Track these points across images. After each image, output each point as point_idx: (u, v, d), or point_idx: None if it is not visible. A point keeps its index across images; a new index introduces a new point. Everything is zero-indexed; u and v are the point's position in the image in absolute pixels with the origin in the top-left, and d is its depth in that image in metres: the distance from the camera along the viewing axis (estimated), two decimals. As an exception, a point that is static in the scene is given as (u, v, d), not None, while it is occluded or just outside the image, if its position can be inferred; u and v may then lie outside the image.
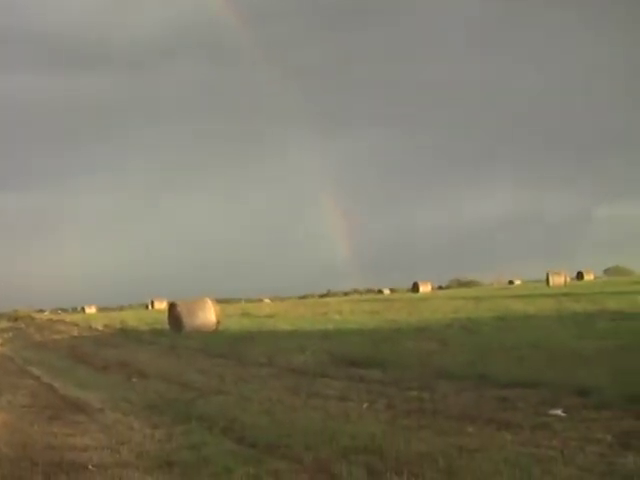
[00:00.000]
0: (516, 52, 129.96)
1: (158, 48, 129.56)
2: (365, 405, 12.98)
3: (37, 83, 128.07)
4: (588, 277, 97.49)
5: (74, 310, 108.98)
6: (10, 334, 48.38)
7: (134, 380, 18.82)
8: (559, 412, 11.27)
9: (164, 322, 38.36)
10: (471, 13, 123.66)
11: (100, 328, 45.20)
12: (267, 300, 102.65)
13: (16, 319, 71.84)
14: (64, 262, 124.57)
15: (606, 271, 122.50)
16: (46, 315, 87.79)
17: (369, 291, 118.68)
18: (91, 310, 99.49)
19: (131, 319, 52.69)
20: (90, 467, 9.81)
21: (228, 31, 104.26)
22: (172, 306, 37.64)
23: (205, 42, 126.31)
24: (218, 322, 35.76)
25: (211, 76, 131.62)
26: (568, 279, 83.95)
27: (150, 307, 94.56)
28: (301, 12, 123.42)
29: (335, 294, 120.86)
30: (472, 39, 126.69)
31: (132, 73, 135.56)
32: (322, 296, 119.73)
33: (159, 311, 66.29)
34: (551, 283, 77.83)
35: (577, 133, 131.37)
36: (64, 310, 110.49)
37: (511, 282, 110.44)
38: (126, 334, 37.77)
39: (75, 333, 43.24)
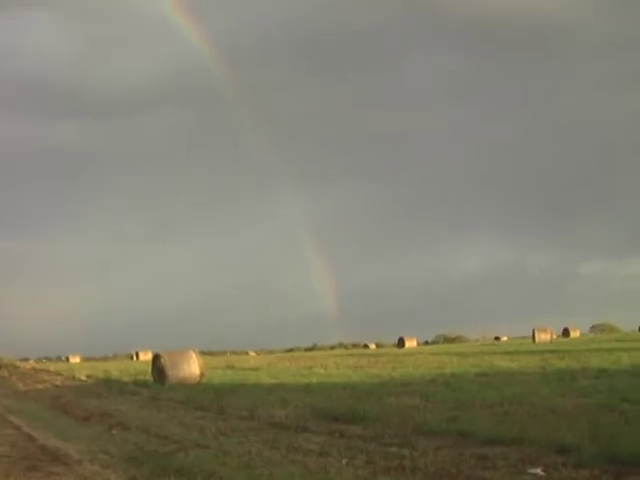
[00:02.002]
0: (498, 107, 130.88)
1: (142, 95, 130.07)
2: (344, 461, 12.93)
3: (16, 129, 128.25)
4: (574, 334, 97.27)
5: (58, 359, 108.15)
6: (-7, 383, 48.01)
7: (114, 432, 18.70)
8: (538, 471, 11.26)
9: (148, 373, 38.17)
10: (453, 67, 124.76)
11: (83, 378, 44.85)
12: (252, 353, 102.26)
13: (-1, 367, 71.28)
14: (48, 310, 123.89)
15: (592, 328, 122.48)
16: (30, 364, 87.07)
17: (355, 345, 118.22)
18: (75, 360, 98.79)
19: (115, 369, 52.35)
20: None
21: (209, 78, 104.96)
22: (156, 357, 37.52)
23: (187, 89, 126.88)
24: (202, 374, 35.63)
25: (192, 124, 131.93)
26: (554, 336, 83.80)
27: (135, 358, 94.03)
28: (287, 58, 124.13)
29: (321, 348, 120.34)
30: (454, 91, 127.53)
31: (114, 120, 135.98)
32: (308, 350, 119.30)
33: (144, 362, 65.95)
34: (537, 340, 77.68)
35: (561, 189, 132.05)
36: (48, 359, 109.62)
37: (497, 338, 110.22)
38: (109, 385, 37.50)
39: (58, 382, 42.92)
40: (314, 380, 30.86)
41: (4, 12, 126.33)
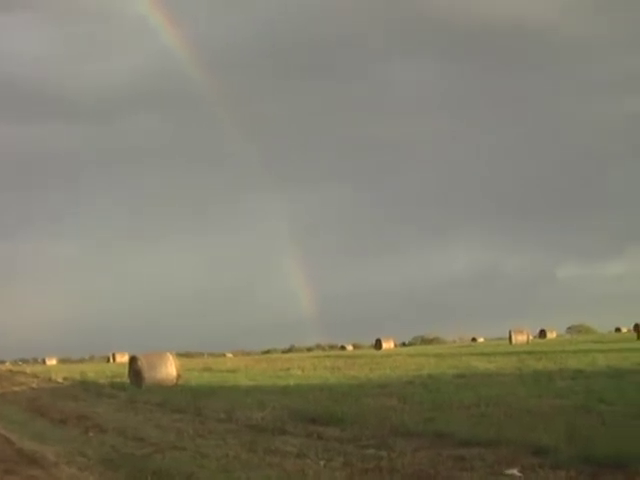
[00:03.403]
0: (471, 114, 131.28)
1: (121, 98, 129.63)
2: (322, 463, 12.93)
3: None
4: (551, 335, 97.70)
5: (35, 361, 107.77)
6: (-32, 386, 47.72)
7: (91, 434, 18.63)
8: (515, 472, 11.29)
9: (124, 375, 38.07)
10: (424, 76, 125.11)
11: (60, 380, 44.67)
12: (230, 355, 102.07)
13: (-25, 370, 70.94)
14: (25, 312, 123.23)
15: (569, 329, 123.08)
16: (6, 366, 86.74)
17: (332, 347, 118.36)
18: (52, 362, 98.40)
19: (91, 372, 52.14)
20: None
21: (188, 82, 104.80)
22: (133, 360, 37.42)
23: (166, 93, 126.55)
24: (179, 376, 35.56)
25: (172, 127, 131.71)
26: (531, 337, 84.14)
27: (112, 360, 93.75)
28: (269, 63, 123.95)
29: (298, 350, 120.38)
30: (427, 101, 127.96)
31: (95, 123, 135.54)
32: (285, 351, 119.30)
33: (120, 364, 65.76)
34: (514, 341, 77.98)
35: (538, 193, 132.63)
36: (25, 361, 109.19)
37: (474, 340, 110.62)
38: (86, 387, 37.33)
39: (35, 385, 42.72)
40: (291, 382, 30.85)
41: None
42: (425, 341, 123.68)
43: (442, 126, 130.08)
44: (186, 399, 25.47)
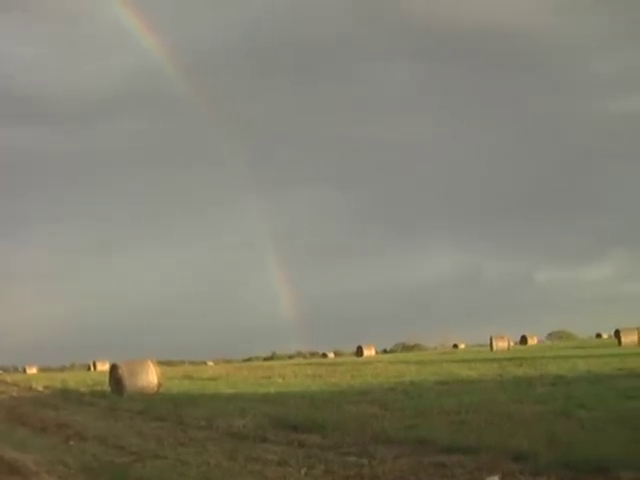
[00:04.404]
0: (462, 114, 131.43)
1: (106, 100, 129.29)
2: (303, 471, 12.93)
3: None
4: (532, 341, 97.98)
5: (15, 370, 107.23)
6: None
7: (72, 442, 18.56)
8: (496, 479, 11.32)
9: (105, 384, 37.95)
10: (420, 76, 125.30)
11: (40, 389, 44.48)
12: (211, 363, 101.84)
13: (-45, 379, 70.49)
14: (5, 320, 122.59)
15: (549, 335, 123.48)
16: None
17: (313, 354, 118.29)
18: (32, 370, 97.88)
19: (72, 380, 51.95)
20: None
21: (166, 84, 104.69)
22: (113, 368, 37.32)
23: (145, 96, 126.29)
24: (159, 384, 35.48)
25: (150, 131, 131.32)
26: (512, 343, 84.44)
27: (92, 368, 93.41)
28: (251, 64, 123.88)
29: (280, 357, 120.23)
30: (416, 100, 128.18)
31: (69, 126, 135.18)
32: (267, 359, 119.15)
33: (101, 372, 65.55)
34: (495, 347, 78.23)
35: (516, 195, 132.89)
36: (5, 370, 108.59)
37: (455, 346, 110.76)
38: (66, 395, 37.20)
39: (15, 393, 42.52)
40: (272, 389, 30.86)
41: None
42: (406, 348, 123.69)
43: (429, 128, 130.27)
44: (167, 407, 25.42)
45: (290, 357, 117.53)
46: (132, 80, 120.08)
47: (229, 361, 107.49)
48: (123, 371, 35.69)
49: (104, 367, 75.06)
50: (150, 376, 35.52)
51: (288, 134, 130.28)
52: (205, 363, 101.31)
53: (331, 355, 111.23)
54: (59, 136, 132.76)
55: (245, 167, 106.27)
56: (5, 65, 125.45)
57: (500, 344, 79.16)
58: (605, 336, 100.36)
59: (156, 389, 34.88)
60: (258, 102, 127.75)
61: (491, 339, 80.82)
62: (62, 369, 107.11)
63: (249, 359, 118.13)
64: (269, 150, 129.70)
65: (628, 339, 65.94)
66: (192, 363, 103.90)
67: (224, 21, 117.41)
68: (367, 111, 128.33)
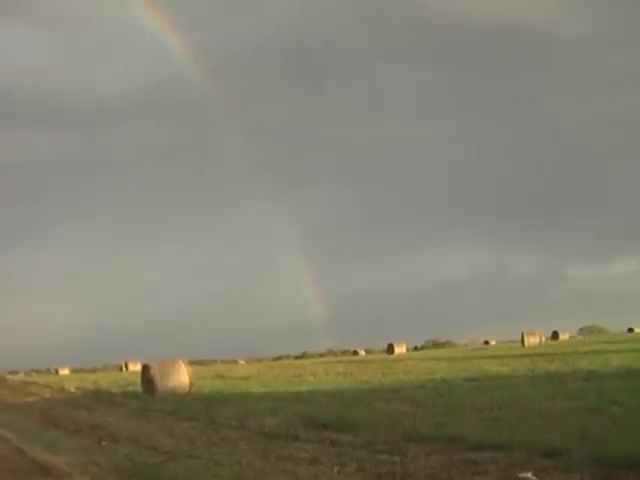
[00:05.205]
0: (469, 114, 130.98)
1: (115, 105, 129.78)
2: (336, 469, 12.92)
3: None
4: (563, 337, 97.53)
5: (47, 371, 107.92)
6: (-18, 396, 47.78)
7: (104, 443, 18.65)
8: (529, 475, 11.26)
9: (137, 384, 38.10)
10: (431, 77, 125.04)
11: (73, 390, 44.73)
12: (242, 362, 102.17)
13: (-12, 380, 70.90)
14: (36, 323, 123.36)
15: (581, 330, 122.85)
16: (19, 376, 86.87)
17: (344, 352, 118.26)
18: (64, 372, 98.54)
19: (104, 381, 52.24)
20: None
21: (181, 88, 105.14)
22: (145, 368, 37.44)
23: (158, 99, 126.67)
24: (191, 384, 35.57)
25: (166, 133, 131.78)
26: (543, 339, 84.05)
27: (124, 369, 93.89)
28: (263, 68, 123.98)
29: (311, 355, 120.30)
30: (433, 100, 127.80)
31: (86, 130, 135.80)
32: (298, 357, 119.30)
33: (133, 373, 65.85)
34: (526, 343, 77.90)
35: (547, 192, 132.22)
36: (37, 371, 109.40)
37: (486, 343, 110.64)
38: (99, 396, 37.37)
39: (47, 395, 42.76)
40: (304, 388, 30.86)
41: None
42: (437, 345, 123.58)
43: (443, 126, 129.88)
44: (199, 407, 25.48)
45: (321, 355, 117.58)
46: (146, 84, 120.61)
47: (260, 360, 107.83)
48: (155, 371, 35.80)
49: (136, 368, 75.38)
50: (182, 376, 35.61)
51: (306, 134, 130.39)
52: (236, 362, 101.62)
53: (362, 353, 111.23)
54: (76, 141, 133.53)
55: (269, 168, 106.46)
56: (22, 73, 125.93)
57: (531, 340, 78.83)
58: (637, 330, 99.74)
59: (188, 389, 34.96)
60: (274, 103, 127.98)
61: (522, 335, 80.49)
62: (94, 370, 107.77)
63: (280, 358, 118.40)
64: (290, 151, 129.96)
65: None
66: (223, 362, 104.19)
67: (244, 23, 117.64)
68: (383, 111, 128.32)
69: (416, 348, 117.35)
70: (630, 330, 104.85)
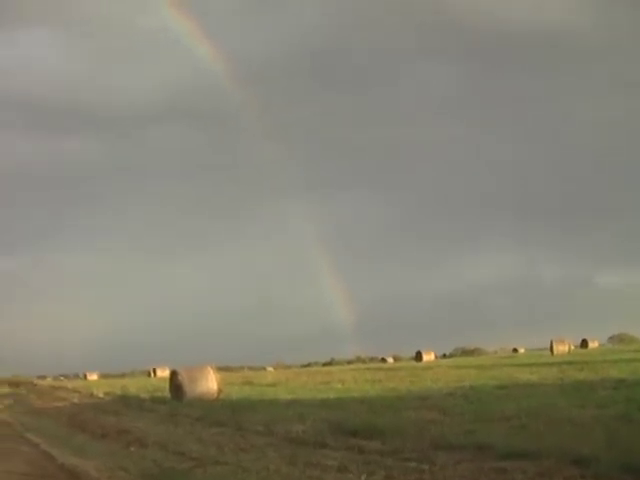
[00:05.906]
0: (503, 118, 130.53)
1: (144, 112, 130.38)
2: (363, 477, 12.90)
3: (16, 147, 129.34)
4: (592, 345, 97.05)
5: (76, 376, 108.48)
6: (11, 400, 47.98)
7: (132, 448, 18.71)
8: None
9: (165, 390, 38.24)
10: (452, 79, 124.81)
11: (101, 395, 44.92)
12: (270, 368, 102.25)
13: (18, 385, 71.26)
14: (66, 328, 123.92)
15: (611, 339, 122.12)
16: (48, 381, 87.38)
17: (372, 359, 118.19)
18: (93, 377, 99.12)
19: (132, 386, 52.42)
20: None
21: (210, 95, 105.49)
22: (174, 374, 37.59)
23: (189, 106, 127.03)
24: (219, 390, 35.65)
25: (195, 140, 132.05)
26: (572, 347, 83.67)
27: (152, 375, 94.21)
28: (288, 75, 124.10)
29: (339, 362, 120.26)
30: (455, 103, 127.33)
31: (116, 137, 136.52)
32: (326, 364, 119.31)
33: (161, 379, 66.09)
34: (555, 351, 77.59)
35: (576, 199, 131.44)
36: (66, 376, 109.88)
37: (515, 350, 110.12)
38: (127, 401, 37.51)
39: (76, 400, 43.01)
40: (331, 395, 30.86)
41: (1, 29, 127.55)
42: (465, 352, 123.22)
43: (474, 130, 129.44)
44: (226, 413, 25.51)
45: (349, 362, 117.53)
46: (178, 90, 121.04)
47: (288, 367, 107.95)
48: (183, 377, 35.92)
49: (164, 373, 75.66)
50: (210, 382, 35.69)
51: (332, 139, 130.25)
52: (265, 369, 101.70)
53: (390, 360, 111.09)
54: (101, 148, 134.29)
55: (295, 173, 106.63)
56: (56, 80, 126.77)
57: (560, 348, 78.48)
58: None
59: (216, 395, 35.04)
60: (304, 107, 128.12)
61: (551, 343, 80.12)
62: (122, 375, 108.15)
63: (308, 364, 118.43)
64: (315, 155, 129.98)
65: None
66: (252, 369, 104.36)
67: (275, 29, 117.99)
68: (413, 114, 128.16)
69: (444, 355, 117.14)
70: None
